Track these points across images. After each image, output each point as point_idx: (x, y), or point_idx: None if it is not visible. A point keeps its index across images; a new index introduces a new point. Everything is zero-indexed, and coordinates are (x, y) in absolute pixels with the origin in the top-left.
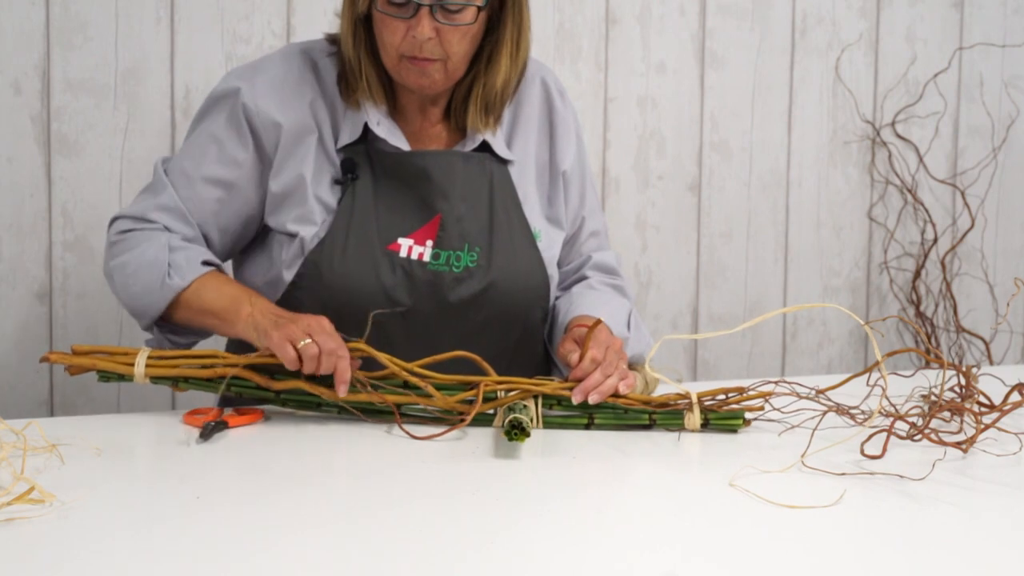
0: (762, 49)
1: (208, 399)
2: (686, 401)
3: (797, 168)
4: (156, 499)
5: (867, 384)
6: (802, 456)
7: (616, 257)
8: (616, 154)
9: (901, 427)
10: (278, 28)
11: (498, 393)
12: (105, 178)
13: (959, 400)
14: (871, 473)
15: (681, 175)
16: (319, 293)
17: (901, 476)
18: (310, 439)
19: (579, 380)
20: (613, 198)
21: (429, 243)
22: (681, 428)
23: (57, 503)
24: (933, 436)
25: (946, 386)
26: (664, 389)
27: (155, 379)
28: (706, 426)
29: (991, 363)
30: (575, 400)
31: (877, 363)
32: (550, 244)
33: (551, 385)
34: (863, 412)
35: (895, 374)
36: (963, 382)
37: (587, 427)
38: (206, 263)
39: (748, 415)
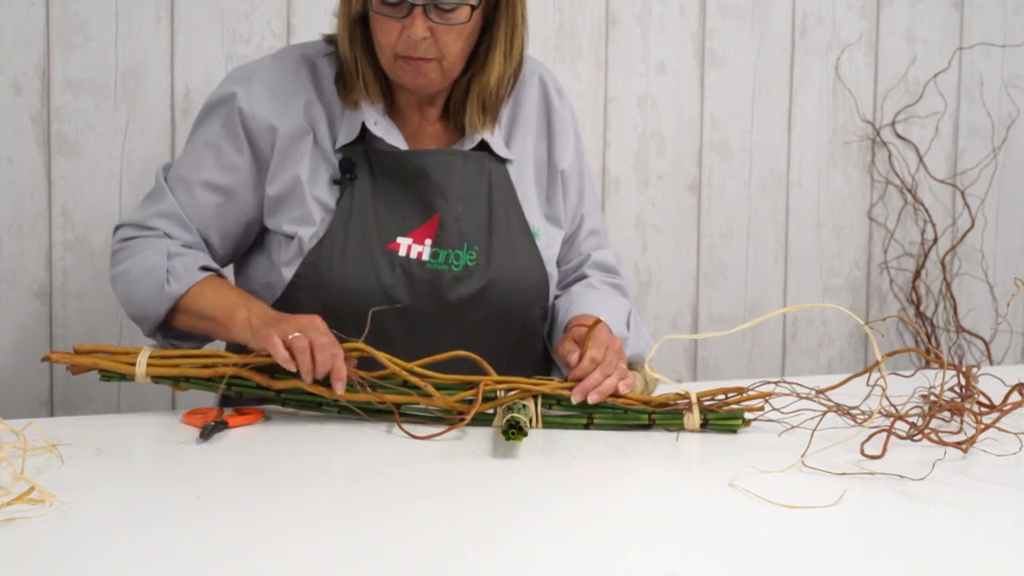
0: (762, 49)
1: (209, 399)
2: (685, 401)
3: (797, 168)
4: (156, 499)
5: (867, 384)
6: (802, 456)
7: (615, 256)
8: (616, 154)
9: (901, 427)
10: (278, 28)
11: (497, 393)
12: (105, 178)
13: (959, 400)
14: (871, 473)
15: (681, 175)
16: (318, 293)
17: (901, 476)
18: (310, 439)
19: (578, 380)
20: (613, 198)
21: (428, 242)
22: (680, 428)
23: (57, 503)
24: (933, 436)
25: (946, 386)
26: (664, 389)
27: (156, 378)
28: (705, 426)
29: (991, 363)
30: (574, 400)
31: (877, 363)
32: (549, 243)
33: (550, 385)
34: (863, 412)
35: (895, 374)
36: (963, 382)
37: (586, 427)
38: (204, 268)
39: (748, 415)
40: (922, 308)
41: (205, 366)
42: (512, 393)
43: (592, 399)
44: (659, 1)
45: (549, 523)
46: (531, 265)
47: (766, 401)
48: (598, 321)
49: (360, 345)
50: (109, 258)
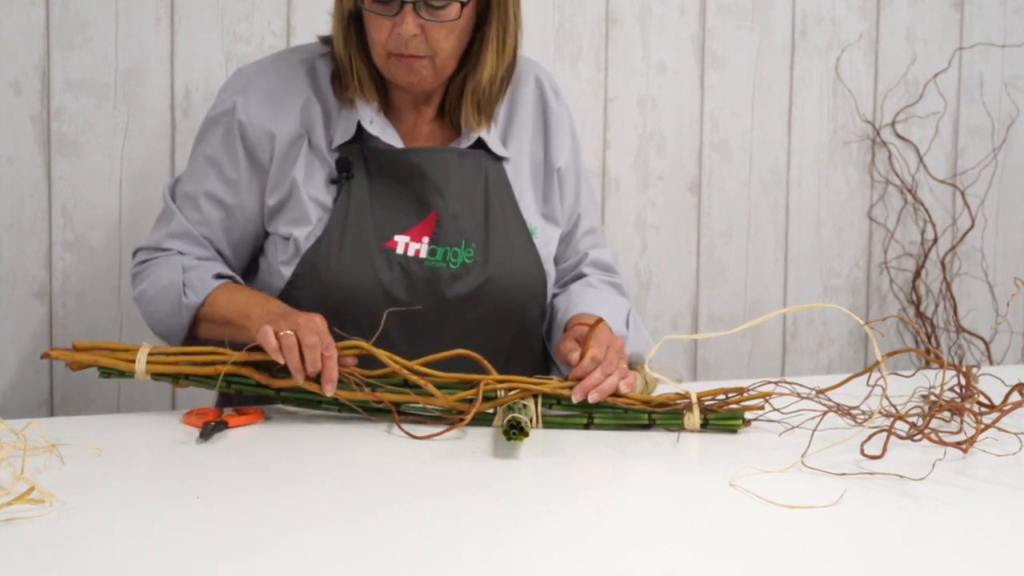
0: (762, 49)
1: (209, 398)
2: (685, 401)
3: (797, 168)
4: (156, 499)
5: (867, 384)
6: (802, 456)
7: (613, 254)
8: (616, 154)
9: (901, 427)
10: (278, 28)
11: (498, 392)
12: (105, 178)
13: (959, 400)
14: (871, 473)
15: (681, 175)
16: (316, 292)
17: (901, 476)
18: (310, 439)
19: (579, 379)
20: (613, 198)
21: (425, 240)
22: (680, 428)
23: (57, 503)
24: (933, 436)
25: (946, 386)
26: (664, 389)
27: (156, 375)
28: (705, 426)
29: (991, 363)
30: (575, 399)
31: (877, 363)
32: (546, 241)
33: (551, 384)
34: (863, 412)
35: (895, 374)
36: (963, 382)
37: (586, 427)
38: (218, 276)
39: (748, 415)
40: (922, 308)
41: (205, 363)
42: (512, 392)
43: (593, 398)
44: (659, 1)
45: (549, 523)
46: (528, 263)
47: (766, 401)
48: (600, 320)
49: (360, 343)
50: (130, 282)
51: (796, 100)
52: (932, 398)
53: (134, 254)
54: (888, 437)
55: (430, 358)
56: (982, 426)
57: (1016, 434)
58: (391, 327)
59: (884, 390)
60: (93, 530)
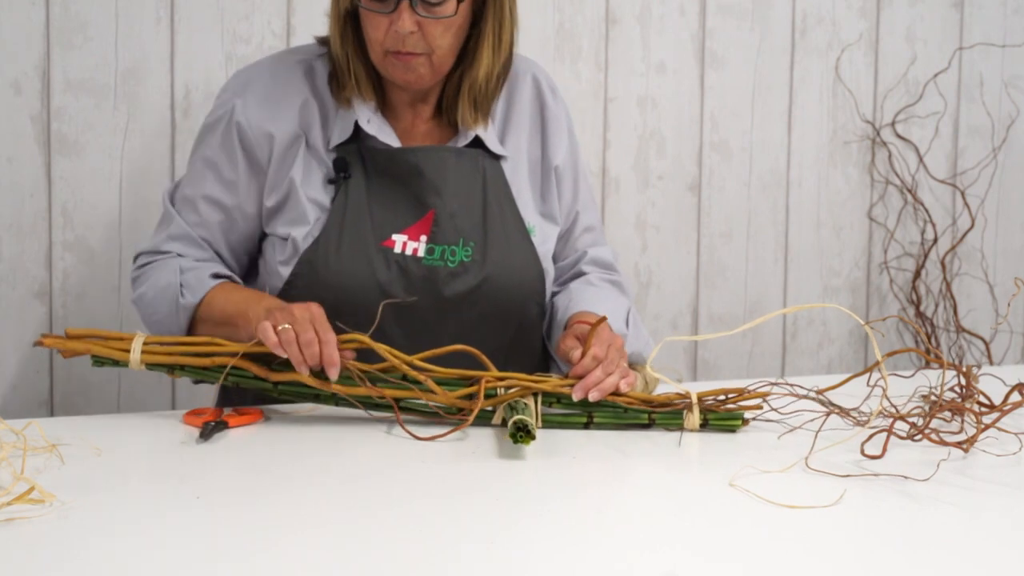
0: (762, 49)
1: (208, 397)
2: (685, 401)
3: (797, 168)
4: (156, 499)
5: (867, 385)
6: (806, 457)
7: (612, 252)
8: (616, 154)
9: (901, 427)
10: (278, 28)
11: (498, 390)
12: (105, 178)
13: (959, 400)
14: (875, 475)
15: (681, 175)
16: (315, 291)
17: (905, 477)
18: (310, 439)
19: (580, 377)
20: (613, 198)
21: (423, 238)
22: (680, 428)
23: (57, 503)
24: (934, 436)
25: (946, 386)
26: (663, 389)
27: (151, 365)
28: (705, 426)
29: (991, 363)
30: (576, 397)
31: (877, 363)
32: (544, 239)
33: (551, 382)
34: (864, 413)
35: (895, 375)
36: (963, 382)
37: (586, 426)
38: (215, 276)
39: (748, 415)
40: (922, 308)
41: (201, 354)
42: (512, 390)
43: (593, 397)
44: (659, 1)
45: (549, 523)
46: (527, 261)
47: (764, 401)
48: (603, 319)
49: (359, 336)
50: (130, 287)
51: (796, 100)
52: (932, 398)
53: (135, 259)
54: (888, 437)
55: (429, 353)
56: (983, 426)
57: (1016, 434)
58: (390, 325)
59: (885, 391)
60: (93, 530)
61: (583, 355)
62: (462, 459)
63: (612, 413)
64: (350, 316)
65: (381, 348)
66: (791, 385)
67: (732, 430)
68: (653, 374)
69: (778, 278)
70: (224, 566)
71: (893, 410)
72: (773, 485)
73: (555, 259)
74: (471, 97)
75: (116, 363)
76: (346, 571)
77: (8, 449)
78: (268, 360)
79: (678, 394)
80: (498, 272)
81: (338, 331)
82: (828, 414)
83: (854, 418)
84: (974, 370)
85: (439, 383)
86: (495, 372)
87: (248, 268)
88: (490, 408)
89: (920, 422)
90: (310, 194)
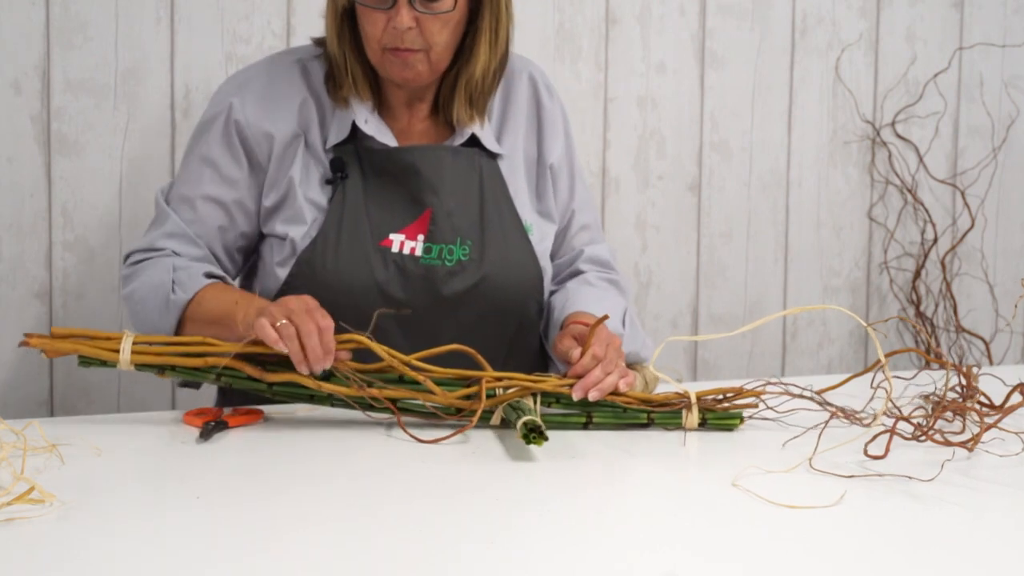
0: (762, 49)
1: (209, 397)
2: (684, 400)
3: (797, 168)
4: (156, 499)
5: (871, 387)
6: (810, 458)
7: (610, 251)
8: (616, 154)
9: (904, 427)
10: (278, 28)
11: (497, 390)
12: (105, 178)
13: (961, 400)
14: (879, 475)
15: (681, 175)
16: (313, 292)
17: (909, 477)
18: (310, 439)
19: (579, 376)
20: (613, 198)
21: (420, 238)
22: (679, 427)
23: (57, 503)
24: (938, 437)
25: (946, 386)
26: (662, 388)
27: (140, 366)
28: (704, 425)
29: (991, 363)
30: (576, 396)
31: (877, 363)
32: (542, 237)
33: (550, 382)
34: (867, 414)
35: (896, 376)
36: (963, 382)
37: (585, 426)
38: (208, 275)
39: (746, 412)
40: (922, 308)
41: (192, 354)
42: (511, 390)
43: (593, 396)
44: (659, 1)
45: (549, 523)
46: (524, 259)
47: (761, 400)
48: (605, 317)
49: (357, 336)
50: (121, 285)
51: (796, 100)
52: (934, 399)
53: (126, 257)
54: (891, 438)
55: (426, 353)
56: (986, 426)
57: (1018, 434)
58: (389, 325)
59: (888, 392)
60: (93, 530)
61: (582, 354)
62: (462, 459)
63: (611, 413)
64: (348, 316)
65: (379, 348)
66: (795, 386)
67: (730, 429)
68: (655, 373)
69: (778, 278)
70: (224, 566)
71: (896, 411)
72: (775, 485)
73: (552, 257)
74: (467, 94)
75: (104, 363)
76: (346, 571)
77: (8, 449)
78: (262, 361)
79: (677, 393)
80: (496, 271)
81: (339, 330)
82: (831, 417)
83: (857, 420)
84: (974, 370)
85: (437, 383)
86: (493, 372)
87: (242, 270)
88: (489, 409)
89: (923, 422)
90: (308, 194)
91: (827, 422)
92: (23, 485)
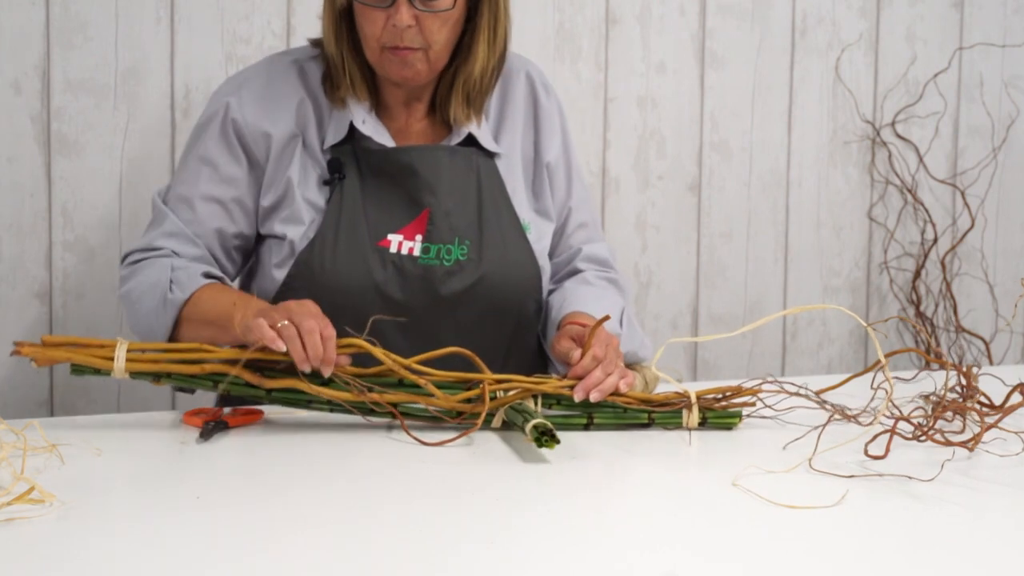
0: (762, 49)
1: (209, 396)
2: (684, 400)
3: (797, 168)
4: (156, 499)
5: (871, 387)
6: (810, 458)
7: (609, 249)
8: (616, 154)
9: (903, 427)
10: (278, 28)
11: (497, 393)
12: (105, 178)
13: (961, 400)
14: (879, 475)
15: (681, 175)
16: (312, 293)
17: (909, 477)
18: (310, 439)
19: (579, 377)
20: (613, 198)
21: (419, 238)
22: (679, 427)
23: (57, 503)
24: (938, 437)
25: (946, 386)
26: (661, 388)
27: (135, 374)
28: (704, 424)
29: (991, 363)
30: (577, 398)
31: (877, 363)
32: (540, 236)
33: (551, 383)
34: (868, 412)
35: (896, 376)
36: (963, 382)
37: (586, 427)
38: (207, 275)
39: (745, 411)
40: (922, 308)
41: (188, 361)
42: (512, 393)
43: (594, 397)
44: (659, 1)
45: (549, 523)
46: (523, 258)
47: (758, 398)
48: (606, 318)
49: (357, 341)
50: (118, 285)
51: (796, 100)
52: (934, 399)
53: (124, 257)
54: (891, 438)
55: (424, 356)
56: (986, 426)
57: (1018, 433)
58: (387, 326)
59: (889, 392)
60: (93, 530)
61: (583, 355)
62: (462, 460)
63: (612, 414)
64: (347, 317)
65: (379, 352)
66: (783, 383)
67: (730, 428)
68: (655, 373)
69: (778, 278)
70: (224, 566)
71: (897, 411)
72: (775, 485)
73: (550, 256)
74: (464, 93)
75: (97, 372)
76: (346, 571)
77: (8, 449)
78: (260, 367)
79: (676, 393)
80: (494, 270)
81: (342, 334)
82: (831, 417)
83: (857, 420)
84: (974, 370)
85: (437, 387)
86: (492, 375)
87: (242, 270)
88: (490, 411)
89: (923, 422)
90: (306, 195)
91: (827, 422)
92: (23, 485)
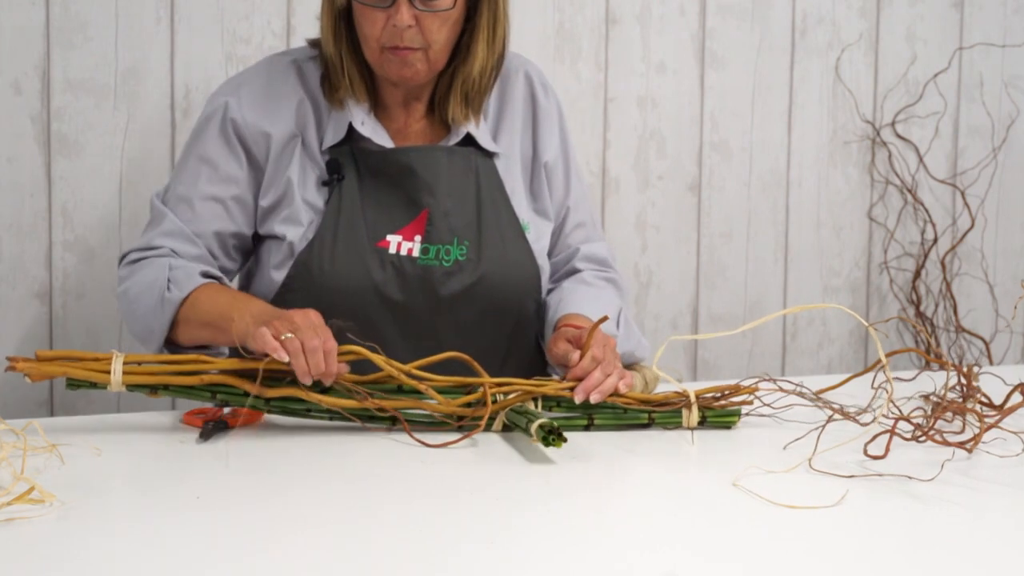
0: (762, 49)
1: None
2: (683, 400)
3: (797, 168)
4: (156, 499)
5: (872, 387)
6: (810, 458)
7: (608, 249)
8: (616, 154)
9: (903, 427)
10: (278, 28)
11: (497, 396)
12: (105, 178)
13: (961, 400)
14: (879, 475)
15: (681, 175)
16: (311, 293)
17: (909, 477)
18: (310, 439)
19: (579, 379)
20: (613, 198)
21: (418, 238)
22: (679, 427)
23: (57, 503)
24: (938, 437)
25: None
26: (661, 388)
27: (132, 387)
28: (703, 423)
29: (991, 363)
30: (578, 399)
31: (877, 363)
32: (539, 236)
33: (551, 385)
34: (868, 413)
35: (896, 377)
36: (963, 382)
37: (587, 428)
38: (205, 275)
39: (744, 410)
40: (922, 308)
41: (186, 372)
42: (512, 396)
43: (594, 399)
44: (659, 1)
45: (549, 523)
46: (522, 258)
47: (757, 397)
48: (604, 319)
49: (355, 348)
50: (117, 283)
51: (796, 100)
52: (934, 399)
53: (122, 257)
54: (891, 438)
55: (422, 362)
56: (986, 426)
57: (1018, 434)
58: (387, 327)
59: (890, 393)
60: (93, 530)
61: (582, 356)
62: (462, 460)
63: (612, 414)
64: (346, 318)
65: (379, 359)
66: (779, 381)
67: (729, 426)
68: (655, 373)
69: (778, 278)
70: (223, 566)
71: (897, 411)
72: (775, 485)
73: (548, 255)
74: (462, 93)
75: (94, 385)
76: (346, 571)
77: (8, 449)
78: (256, 376)
79: (676, 393)
80: (493, 270)
81: (345, 340)
82: (831, 417)
83: (856, 420)
84: (974, 370)
85: (437, 392)
86: (492, 379)
87: (242, 269)
88: (491, 415)
89: (923, 423)
90: (305, 196)
91: (827, 422)
92: (23, 485)
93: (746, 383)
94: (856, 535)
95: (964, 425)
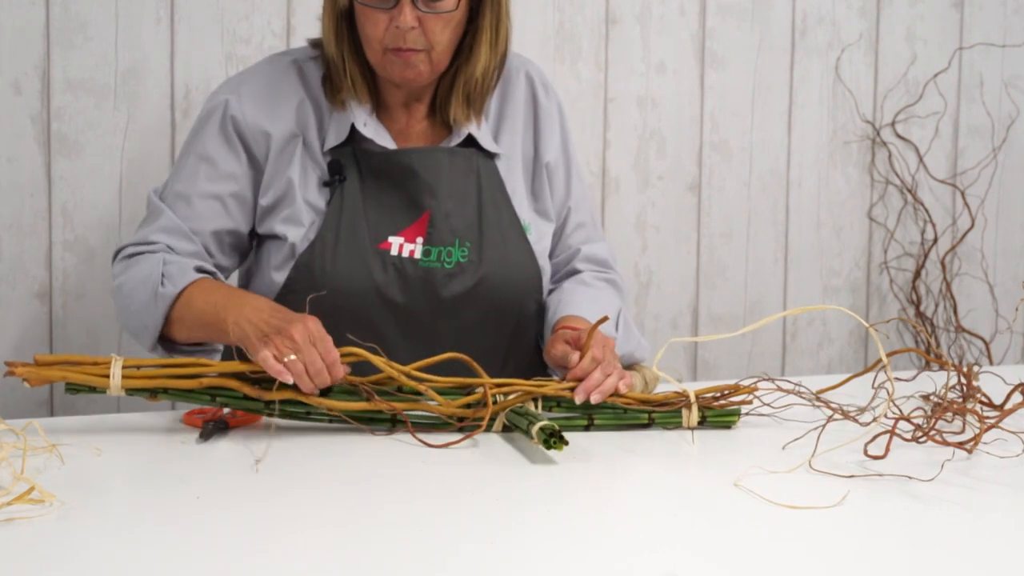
0: (762, 49)
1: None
2: (683, 399)
3: (797, 168)
4: (156, 499)
5: (872, 387)
6: (810, 458)
7: (609, 249)
8: (616, 154)
9: (903, 428)
10: (278, 28)
11: (498, 397)
12: (105, 178)
13: (961, 400)
14: (879, 475)
15: (681, 175)
16: (312, 294)
17: (909, 477)
18: (310, 439)
19: (579, 379)
20: (613, 198)
21: (419, 240)
22: (679, 426)
23: (57, 503)
24: (938, 437)
25: (946, 386)
26: (661, 388)
27: (131, 390)
28: (703, 423)
29: (991, 363)
30: (578, 400)
31: (877, 363)
32: (540, 236)
33: (551, 386)
34: (868, 412)
35: (896, 377)
36: (964, 382)
37: (587, 428)
38: (199, 270)
39: (744, 410)
40: (922, 308)
41: (185, 376)
42: (513, 396)
43: (595, 399)
44: (659, 1)
45: (549, 523)
46: (523, 259)
47: (756, 397)
48: (604, 319)
49: (356, 351)
50: (112, 279)
51: (796, 100)
52: (934, 399)
53: (117, 253)
54: (891, 438)
55: (423, 363)
56: (986, 426)
57: (1018, 434)
58: (388, 328)
59: (891, 393)
60: (93, 530)
61: (582, 357)
62: (462, 460)
63: (612, 415)
64: (347, 320)
65: (379, 361)
66: (778, 380)
67: (728, 426)
68: (656, 373)
69: (778, 278)
70: (224, 566)
71: (897, 411)
72: (775, 485)
73: (549, 256)
74: (464, 94)
75: (93, 390)
76: (346, 571)
77: (8, 449)
78: (257, 380)
79: (675, 393)
80: (495, 271)
81: (347, 342)
82: (831, 417)
83: (856, 420)
84: (974, 370)
85: (437, 393)
86: (492, 380)
87: (239, 266)
88: (491, 415)
89: (923, 423)
90: (306, 197)
91: (827, 422)
92: (23, 485)
93: (746, 383)
94: (856, 535)
95: (964, 425)
